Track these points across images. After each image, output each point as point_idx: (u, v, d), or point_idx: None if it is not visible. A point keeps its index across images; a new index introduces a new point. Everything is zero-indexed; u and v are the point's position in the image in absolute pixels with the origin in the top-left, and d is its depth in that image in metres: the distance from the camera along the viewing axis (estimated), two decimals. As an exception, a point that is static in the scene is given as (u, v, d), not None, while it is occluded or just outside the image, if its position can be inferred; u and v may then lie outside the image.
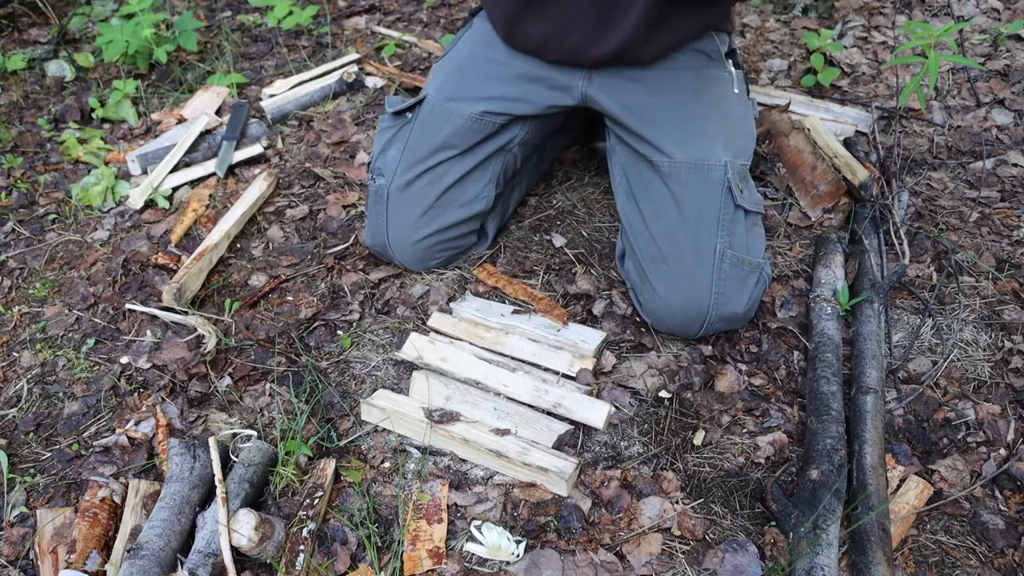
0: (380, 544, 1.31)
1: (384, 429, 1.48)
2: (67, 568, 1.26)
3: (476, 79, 1.65)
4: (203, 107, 2.32)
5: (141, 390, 1.59)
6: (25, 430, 1.55)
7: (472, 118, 1.63)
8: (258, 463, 1.38)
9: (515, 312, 1.65)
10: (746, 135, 1.61)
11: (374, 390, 1.54)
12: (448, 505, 1.34)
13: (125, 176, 2.15)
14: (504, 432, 1.41)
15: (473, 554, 1.28)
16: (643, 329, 1.62)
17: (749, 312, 1.53)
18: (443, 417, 1.44)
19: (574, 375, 1.52)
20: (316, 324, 1.69)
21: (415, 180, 1.65)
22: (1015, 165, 1.98)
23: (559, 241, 1.83)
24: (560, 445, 1.42)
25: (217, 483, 1.31)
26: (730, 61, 1.63)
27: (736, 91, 1.62)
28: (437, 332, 1.63)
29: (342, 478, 1.40)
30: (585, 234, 1.85)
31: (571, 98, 1.63)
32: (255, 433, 1.47)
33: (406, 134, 1.67)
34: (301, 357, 1.62)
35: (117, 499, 1.37)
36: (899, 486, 1.34)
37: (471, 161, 1.66)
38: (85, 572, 1.26)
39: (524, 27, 1.57)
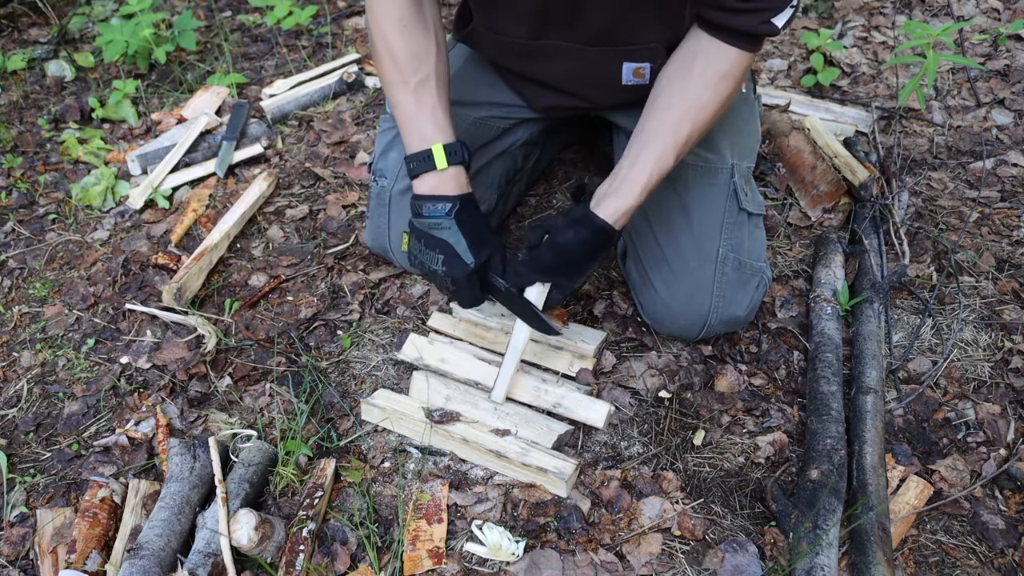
0: (380, 544, 1.31)
1: (384, 429, 1.48)
2: (67, 568, 1.26)
3: (477, 84, 1.64)
4: (203, 107, 2.32)
5: (141, 390, 1.59)
6: (25, 430, 1.55)
7: (474, 123, 1.62)
8: (258, 463, 1.38)
9: (515, 312, 1.65)
10: (751, 136, 1.61)
11: (374, 390, 1.53)
12: (448, 505, 1.34)
13: (125, 176, 2.15)
14: (504, 432, 1.41)
15: (473, 554, 1.28)
16: (643, 329, 1.61)
17: (749, 315, 1.53)
18: (443, 417, 1.44)
19: (574, 375, 1.52)
20: (316, 324, 1.69)
21: None
22: (1015, 165, 1.98)
23: (559, 241, 1.82)
24: (560, 445, 1.41)
25: (217, 483, 1.31)
26: None
27: (743, 90, 1.62)
28: (437, 332, 1.63)
29: (342, 478, 1.40)
30: (585, 234, 1.84)
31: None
32: (255, 433, 1.47)
33: None
34: (301, 357, 1.62)
35: (117, 499, 1.37)
36: (899, 486, 1.34)
37: (473, 166, 1.65)
38: (85, 572, 1.26)
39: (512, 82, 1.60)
